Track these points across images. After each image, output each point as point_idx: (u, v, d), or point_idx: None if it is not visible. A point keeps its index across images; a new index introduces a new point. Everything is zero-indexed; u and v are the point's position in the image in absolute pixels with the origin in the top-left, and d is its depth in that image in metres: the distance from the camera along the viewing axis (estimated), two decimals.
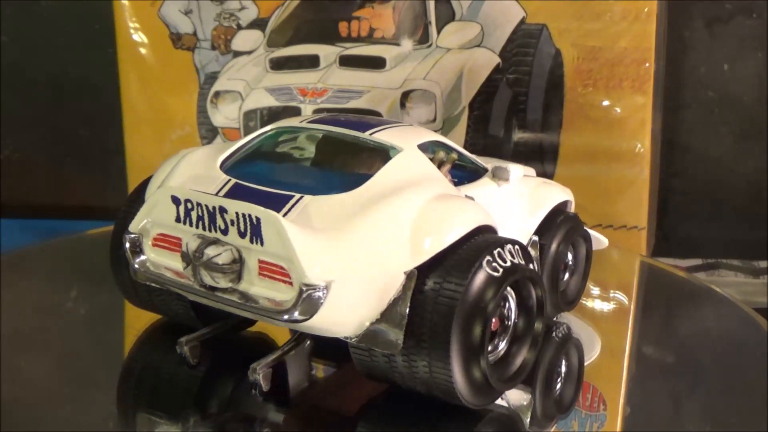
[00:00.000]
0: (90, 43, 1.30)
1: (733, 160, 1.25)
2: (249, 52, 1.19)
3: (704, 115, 1.25)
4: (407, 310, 0.60)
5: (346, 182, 0.64)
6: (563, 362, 0.75)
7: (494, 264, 0.62)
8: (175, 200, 0.62)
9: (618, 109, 1.11)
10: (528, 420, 0.67)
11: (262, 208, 0.58)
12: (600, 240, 0.88)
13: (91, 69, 1.30)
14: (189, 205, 0.61)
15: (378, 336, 0.61)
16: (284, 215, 0.60)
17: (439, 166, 0.71)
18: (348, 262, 0.58)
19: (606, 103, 1.12)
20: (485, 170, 0.76)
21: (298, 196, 0.62)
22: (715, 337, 0.85)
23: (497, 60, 1.13)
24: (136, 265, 0.65)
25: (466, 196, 0.69)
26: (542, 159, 1.14)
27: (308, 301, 0.57)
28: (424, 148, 0.71)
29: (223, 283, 0.60)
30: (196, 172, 0.68)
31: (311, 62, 1.17)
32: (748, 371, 0.76)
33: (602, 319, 0.80)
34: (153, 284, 0.67)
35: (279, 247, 0.57)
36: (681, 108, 1.25)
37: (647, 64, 1.10)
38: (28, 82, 1.34)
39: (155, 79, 1.20)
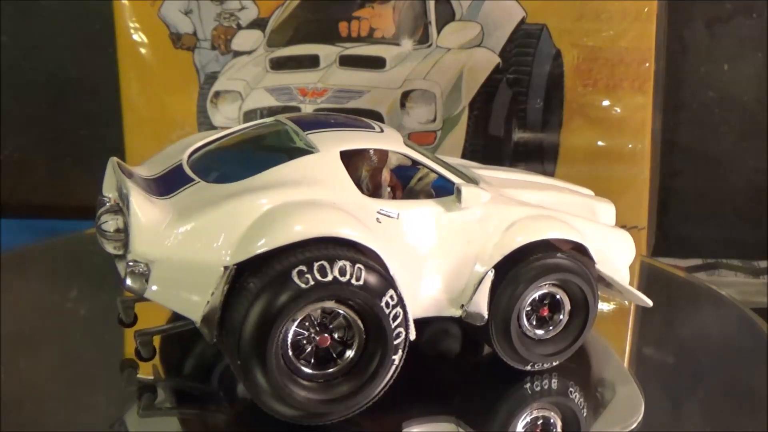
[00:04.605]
0: (90, 43, 1.29)
1: (733, 160, 1.25)
2: (249, 52, 1.19)
3: (704, 115, 1.25)
4: (220, 305, 0.61)
5: (243, 174, 0.65)
6: (553, 424, 0.66)
7: (307, 275, 0.59)
8: (113, 170, 0.69)
9: (618, 109, 1.11)
10: None
11: (130, 184, 0.64)
12: (642, 300, 0.77)
13: (91, 69, 1.30)
14: (117, 176, 0.68)
15: (205, 325, 0.61)
16: (169, 198, 0.64)
17: (418, 181, 0.72)
18: (175, 246, 0.61)
19: (606, 103, 1.12)
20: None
21: (196, 181, 0.66)
22: (715, 337, 0.85)
23: (497, 60, 1.13)
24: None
25: (381, 211, 0.65)
26: (542, 159, 1.14)
27: (132, 275, 0.61)
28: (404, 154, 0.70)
29: (111, 249, 0.65)
30: (171, 154, 0.73)
31: (311, 62, 1.17)
32: (748, 371, 0.76)
33: (602, 319, 0.80)
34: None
35: None
36: (681, 108, 1.24)
37: (647, 64, 1.10)
38: (28, 82, 1.33)
39: (155, 79, 1.19)
